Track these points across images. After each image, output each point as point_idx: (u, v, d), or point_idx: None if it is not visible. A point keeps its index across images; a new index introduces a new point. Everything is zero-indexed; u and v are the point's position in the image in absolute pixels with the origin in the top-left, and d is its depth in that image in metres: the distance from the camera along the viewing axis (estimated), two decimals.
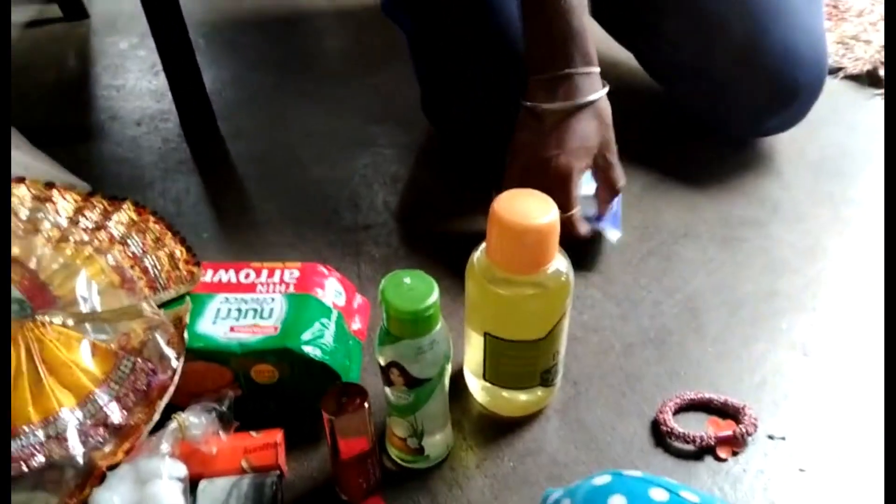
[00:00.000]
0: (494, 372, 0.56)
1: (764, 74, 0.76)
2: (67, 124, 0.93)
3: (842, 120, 0.92)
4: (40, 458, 0.46)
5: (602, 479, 0.42)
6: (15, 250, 0.55)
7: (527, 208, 0.49)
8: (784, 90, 0.77)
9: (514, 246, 0.49)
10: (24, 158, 0.72)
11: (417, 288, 0.49)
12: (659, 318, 0.66)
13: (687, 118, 0.89)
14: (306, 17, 1.18)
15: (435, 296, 0.49)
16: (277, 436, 0.53)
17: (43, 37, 1.14)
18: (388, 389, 0.51)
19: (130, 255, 0.59)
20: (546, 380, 0.56)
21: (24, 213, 0.59)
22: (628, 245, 0.74)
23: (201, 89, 0.89)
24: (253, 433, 0.53)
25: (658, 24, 0.83)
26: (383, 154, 0.87)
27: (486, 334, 0.53)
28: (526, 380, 0.56)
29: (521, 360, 0.54)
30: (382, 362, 0.50)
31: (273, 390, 0.56)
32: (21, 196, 0.60)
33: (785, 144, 0.87)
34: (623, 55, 0.92)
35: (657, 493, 0.40)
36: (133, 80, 1.01)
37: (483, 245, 0.53)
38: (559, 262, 0.52)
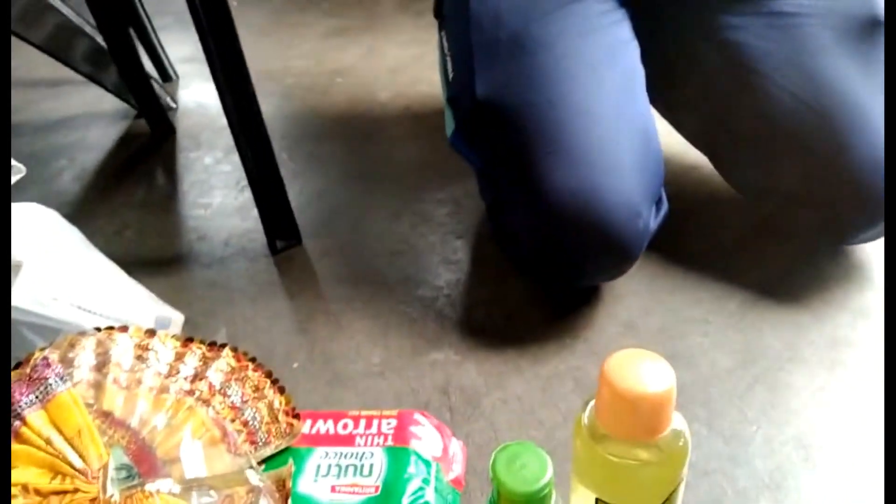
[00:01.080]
0: None
1: (849, 190, 0.73)
2: (158, 247, 0.96)
3: None
4: None
5: None
6: (119, 408, 0.56)
7: (641, 371, 0.48)
8: (872, 203, 0.73)
9: (627, 413, 0.48)
10: (122, 294, 0.75)
11: (530, 465, 0.48)
12: (772, 459, 0.63)
13: (775, 230, 0.86)
14: (385, 126, 1.20)
15: (549, 473, 0.47)
16: None
17: (132, 152, 1.19)
18: None
19: (230, 405, 0.59)
20: None
21: (126, 364, 0.60)
22: (730, 372, 0.71)
23: (286, 205, 0.91)
24: None
25: (731, 145, 0.81)
26: (464, 271, 0.87)
27: (597, 500, 0.51)
28: None
29: None
30: None
31: None
32: (124, 346, 0.62)
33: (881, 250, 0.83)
34: (702, 159, 0.90)
35: None
36: (220, 196, 1.05)
37: (591, 403, 0.51)
38: (677, 422, 0.50)
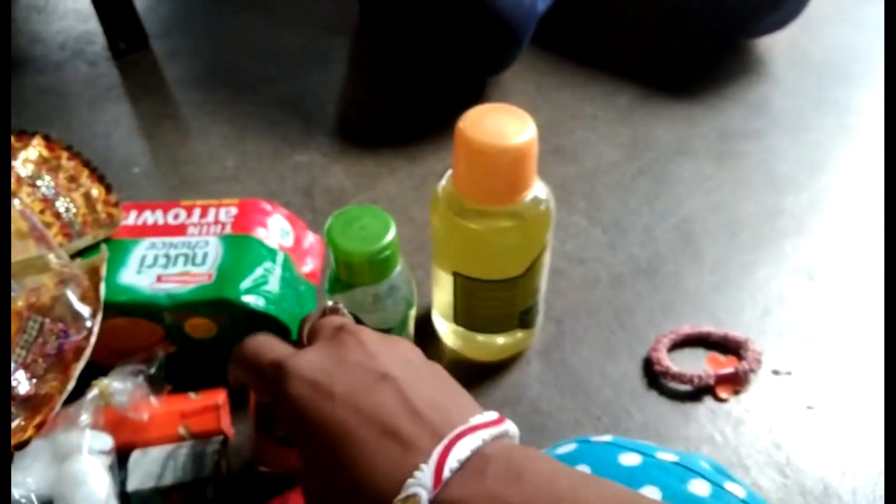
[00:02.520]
0: (467, 315, 0.49)
1: None
2: None
3: (847, 17, 0.83)
4: None
5: (566, 448, 0.36)
6: None
7: (500, 127, 0.41)
8: None
9: (485, 172, 0.42)
10: None
11: (371, 227, 0.42)
12: (651, 246, 0.59)
13: (674, 21, 0.80)
14: None
15: (391, 234, 0.41)
16: (220, 397, 0.46)
17: None
18: None
19: (41, 197, 0.51)
20: (525, 321, 0.50)
21: None
22: (616, 165, 0.66)
23: (129, 3, 0.79)
24: (192, 395, 0.47)
25: None
26: (339, 71, 0.78)
27: (455, 274, 0.46)
28: (503, 322, 0.49)
29: (496, 302, 0.47)
30: None
31: (212, 346, 0.49)
32: None
33: (784, 47, 0.79)
34: None
35: (628, 458, 0.34)
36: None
37: (448, 173, 0.45)
38: (538, 189, 0.44)
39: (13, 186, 0.51)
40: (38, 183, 0.51)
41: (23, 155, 0.53)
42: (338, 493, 0.28)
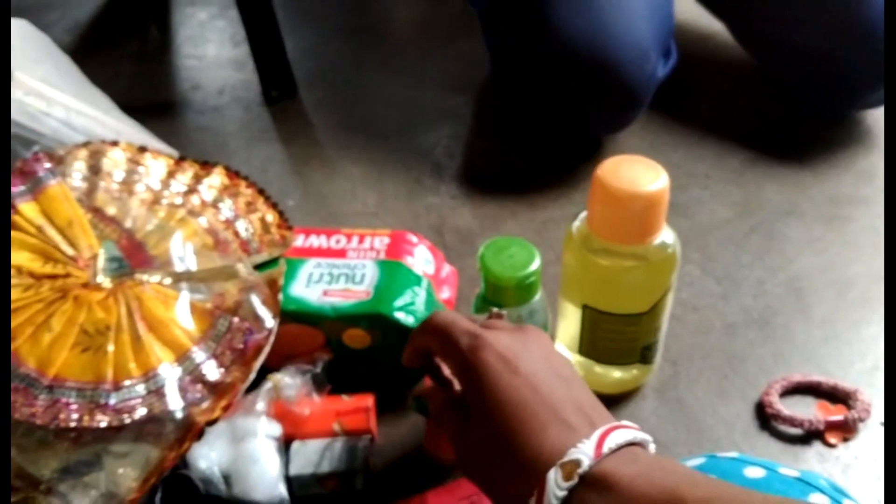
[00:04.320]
0: (592, 346, 0.54)
1: (864, 45, 0.71)
2: (151, 95, 0.94)
3: None
4: (142, 411, 0.46)
5: (695, 461, 0.41)
6: (112, 210, 0.56)
7: (634, 175, 0.47)
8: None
9: (619, 214, 0.47)
10: (117, 124, 0.73)
11: (518, 255, 0.48)
12: (762, 298, 0.63)
13: (785, 93, 0.85)
14: None
15: (537, 262, 0.47)
16: (369, 400, 0.52)
17: (124, 7, 1.15)
18: None
19: (223, 219, 0.59)
20: (646, 357, 0.54)
21: (118, 176, 0.60)
22: (728, 221, 0.70)
23: (283, 58, 0.89)
24: (345, 397, 0.53)
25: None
26: (465, 124, 0.85)
27: (584, 307, 0.51)
28: (626, 355, 0.54)
29: (621, 335, 0.52)
30: None
31: (364, 356, 0.55)
32: (115, 159, 0.61)
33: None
34: (716, 27, 0.88)
35: (753, 472, 0.39)
36: (214, 49, 1.02)
37: (583, 214, 0.51)
38: (666, 234, 0.49)
39: (198, 208, 0.59)
40: (220, 206, 0.60)
41: (206, 181, 0.62)
42: (502, 452, 0.34)
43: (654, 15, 0.71)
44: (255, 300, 0.51)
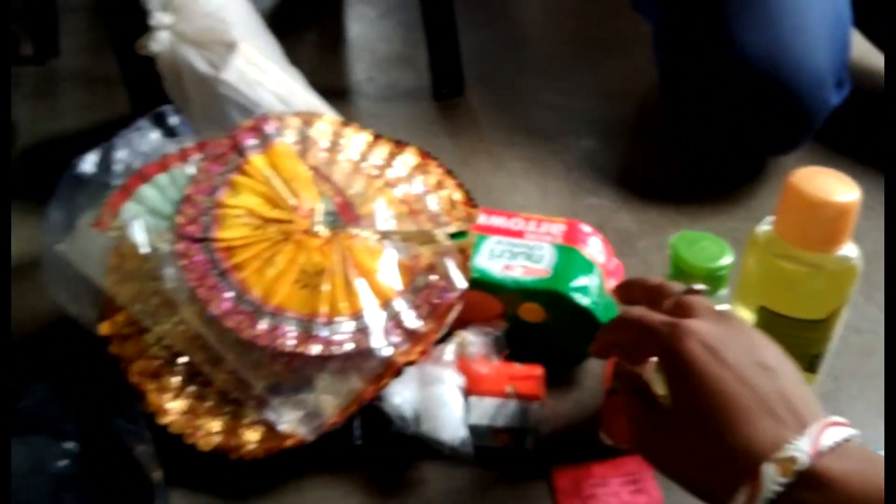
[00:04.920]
0: None
1: None
2: (329, 81, 1.02)
3: None
4: (350, 345, 0.52)
5: None
6: (325, 171, 0.62)
7: (827, 184, 0.49)
8: None
9: (809, 220, 0.49)
10: (314, 101, 0.80)
11: (709, 249, 0.51)
12: None
13: None
14: None
15: (730, 257, 0.50)
16: (540, 370, 0.56)
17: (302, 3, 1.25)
18: None
19: (415, 193, 0.64)
20: (813, 365, 0.55)
21: (324, 144, 0.66)
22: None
23: (457, 58, 0.95)
24: (517, 365, 0.57)
25: None
26: (627, 133, 0.89)
27: (761, 308, 0.54)
28: (796, 360, 0.55)
29: (795, 339, 0.53)
30: None
31: (537, 330, 0.59)
32: (322, 129, 0.67)
33: None
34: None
35: None
36: (385, 46, 1.09)
37: (769, 219, 0.53)
38: (849, 248, 0.51)
39: (394, 181, 0.65)
40: (413, 181, 0.65)
41: (400, 158, 0.67)
42: (706, 444, 0.35)
43: (833, 42, 0.72)
44: (450, 263, 0.56)
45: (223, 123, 0.72)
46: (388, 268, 0.55)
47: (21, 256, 0.75)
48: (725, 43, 0.71)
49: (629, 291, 0.46)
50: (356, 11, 1.21)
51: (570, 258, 0.59)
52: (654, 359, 0.43)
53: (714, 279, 0.49)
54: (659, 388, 0.42)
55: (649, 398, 0.41)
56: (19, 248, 0.77)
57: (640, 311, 0.42)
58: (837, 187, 0.49)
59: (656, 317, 0.40)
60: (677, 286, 0.44)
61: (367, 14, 1.20)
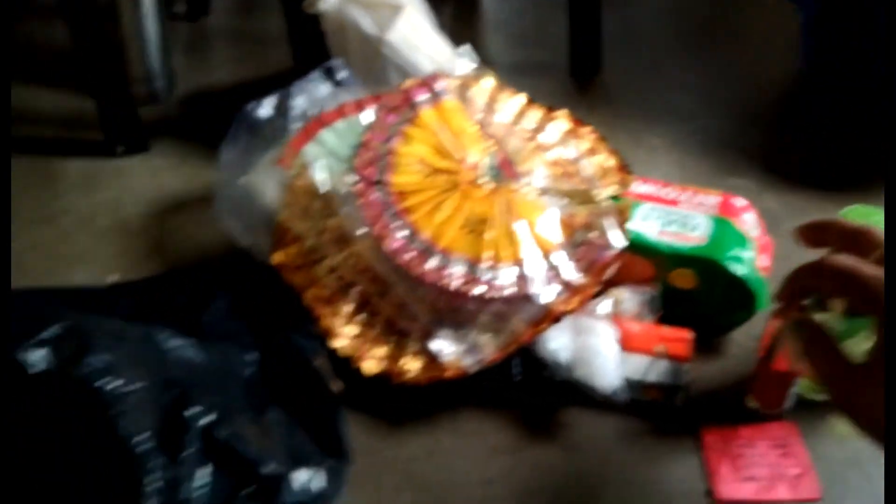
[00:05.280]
0: None
1: None
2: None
3: None
4: (512, 290, 0.54)
5: None
6: (487, 129, 0.65)
7: None
8: None
9: None
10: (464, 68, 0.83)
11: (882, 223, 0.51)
12: None
13: None
14: None
15: None
16: (689, 334, 0.57)
17: None
18: (817, 316, 0.53)
19: (568, 158, 0.66)
20: None
21: (481, 104, 0.69)
22: None
23: (597, 39, 0.97)
24: (666, 328, 0.58)
25: None
26: (768, 119, 0.89)
27: None
28: None
29: None
30: None
31: (686, 297, 0.60)
32: (481, 90, 0.70)
33: None
34: None
35: None
36: (521, 23, 1.11)
37: None
38: None
39: (547, 144, 0.67)
40: (566, 146, 0.67)
41: (553, 124, 0.69)
42: None
43: None
44: (609, 223, 0.58)
45: (381, 81, 0.76)
46: (549, 222, 0.58)
47: (186, 192, 0.82)
48: (881, 31, 0.70)
49: (822, 234, 0.43)
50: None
51: (724, 229, 0.60)
52: (839, 307, 0.42)
53: None
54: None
55: (839, 353, 0.39)
56: (183, 184, 0.84)
57: (850, 262, 0.39)
58: None
59: (869, 269, 0.38)
60: (880, 233, 0.41)
61: None
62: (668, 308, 0.60)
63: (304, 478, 0.42)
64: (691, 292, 0.60)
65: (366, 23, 0.75)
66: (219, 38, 1.13)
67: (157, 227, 0.78)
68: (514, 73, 1.01)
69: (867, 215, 0.51)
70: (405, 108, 0.62)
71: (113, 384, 0.38)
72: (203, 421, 0.41)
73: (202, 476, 0.39)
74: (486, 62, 1.05)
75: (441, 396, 0.56)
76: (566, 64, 0.98)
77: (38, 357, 0.37)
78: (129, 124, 0.87)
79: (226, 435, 0.41)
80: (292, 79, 0.75)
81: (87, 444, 0.37)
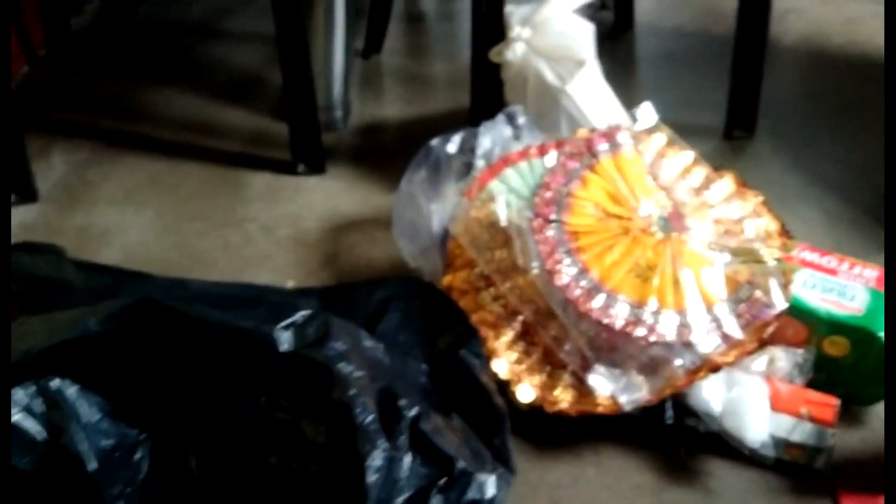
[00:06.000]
0: None
1: None
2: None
3: None
4: (673, 336, 0.58)
5: None
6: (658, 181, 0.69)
7: None
8: None
9: None
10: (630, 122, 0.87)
11: None
12: None
13: None
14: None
15: None
16: (836, 401, 0.59)
17: None
18: None
19: (733, 218, 0.69)
20: None
21: (649, 158, 0.73)
22: None
23: (756, 103, 1.00)
24: (811, 392, 0.60)
25: None
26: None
27: None
28: None
29: None
30: None
31: (837, 364, 0.62)
32: (650, 145, 0.74)
33: None
34: None
35: None
36: (675, 89, 1.16)
37: None
38: None
39: (712, 202, 0.70)
40: (731, 205, 0.70)
41: (718, 183, 0.72)
42: None
43: None
44: (775, 283, 0.61)
45: (554, 129, 0.82)
46: (714, 275, 0.61)
47: (358, 213, 0.91)
48: None
49: None
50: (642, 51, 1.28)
51: (882, 303, 0.62)
52: None
53: None
54: None
55: None
56: (355, 206, 0.92)
57: None
58: None
59: None
60: None
61: (648, 54, 1.27)
62: (818, 373, 0.62)
63: (484, 480, 0.47)
64: (842, 360, 0.62)
65: (548, 74, 0.82)
66: (389, 77, 1.24)
67: (331, 241, 0.87)
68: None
69: None
70: (586, 155, 0.68)
71: (347, 369, 0.44)
72: (411, 413, 0.47)
73: (409, 461, 0.44)
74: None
75: (585, 429, 0.60)
76: (720, 127, 1.02)
77: (285, 337, 0.45)
78: (313, 147, 0.96)
79: (429, 429, 0.47)
80: (460, 120, 0.82)
81: (323, 418, 0.43)
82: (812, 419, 0.58)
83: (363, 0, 1.22)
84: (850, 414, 0.62)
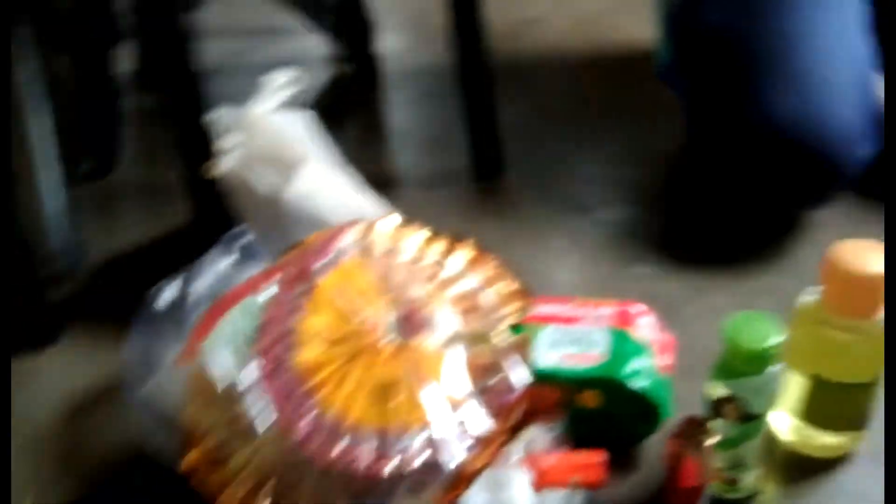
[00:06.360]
0: (817, 413, 0.58)
1: None
2: (372, 174, 1.06)
3: None
4: (422, 458, 0.55)
5: None
6: (386, 279, 0.66)
7: (864, 256, 0.53)
8: None
9: (855, 293, 0.53)
10: (364, 201, 0.84)
11: (763, 327, 0.53)
12: None
13: None
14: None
15: (779, 336, 0.52)
16: (601, 456, 0.59)
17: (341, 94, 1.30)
18: (713, 423, 0.55)
19: (470, 289, 0.67)
20: (862, 424, 0.58)
21: (382, 249, 0.69)
22: None
23: (495, 141, 1.00)
24: (579, 452, 0.59)
25: None
26: (655, 198, 0.92)
27: (814, 376, 0.56)
28: (850, 422, 0.58)
29: (848, 403, 0.56)
30: (714, 396, 0.54)
31: (595, 415, 0.62)
32: (381, 234, 0.70)
33: None
34: None
35: None
36: (422, 131, 1.15)
37: (811, 290, 0.56)
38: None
39: (451, 277, 0.68)
40: (468, 277, 0.68)
41: (454, 256, 0.69)
42: None
43: (859, 96, 0.74)
44: (510, 362, 0.59)
45: (286, 238, 0.76)
46: (455, 372, 0.59)
47: (102, 385, 0.79)
48: (750, 104, 0.74)
49: None
50: (394, 97, 1.26)
51: (622, 342, 0.62)
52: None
53: (770, 357, 0.52)
54: None
55: None
56: (96, 377, 0.79)
57: None
58: (872, 257, 0.53)
59: None
60: None
61: (401, 99, 1.25)
62: (578, 428, 0.61)
63: None
64: (599, 410, 0.62)
65: (263, 182, 0.76)
66: (127, 196, 1.12)
67: (72, 434, 0.75)
68: (423, 186, 1.04)
69: (746, 323, 0.54)
70: (304, 280, 0.63)
71: None
72: None
73: None
74: (394, 179, 1.08)
75: None
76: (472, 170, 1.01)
77: None
78: (36, 317, 0.83)
79: None
80: (197, 239, 0.74)
81: None
82: (583, 484, 0.58)
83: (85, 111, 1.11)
84: (622, 458, 0.62)
